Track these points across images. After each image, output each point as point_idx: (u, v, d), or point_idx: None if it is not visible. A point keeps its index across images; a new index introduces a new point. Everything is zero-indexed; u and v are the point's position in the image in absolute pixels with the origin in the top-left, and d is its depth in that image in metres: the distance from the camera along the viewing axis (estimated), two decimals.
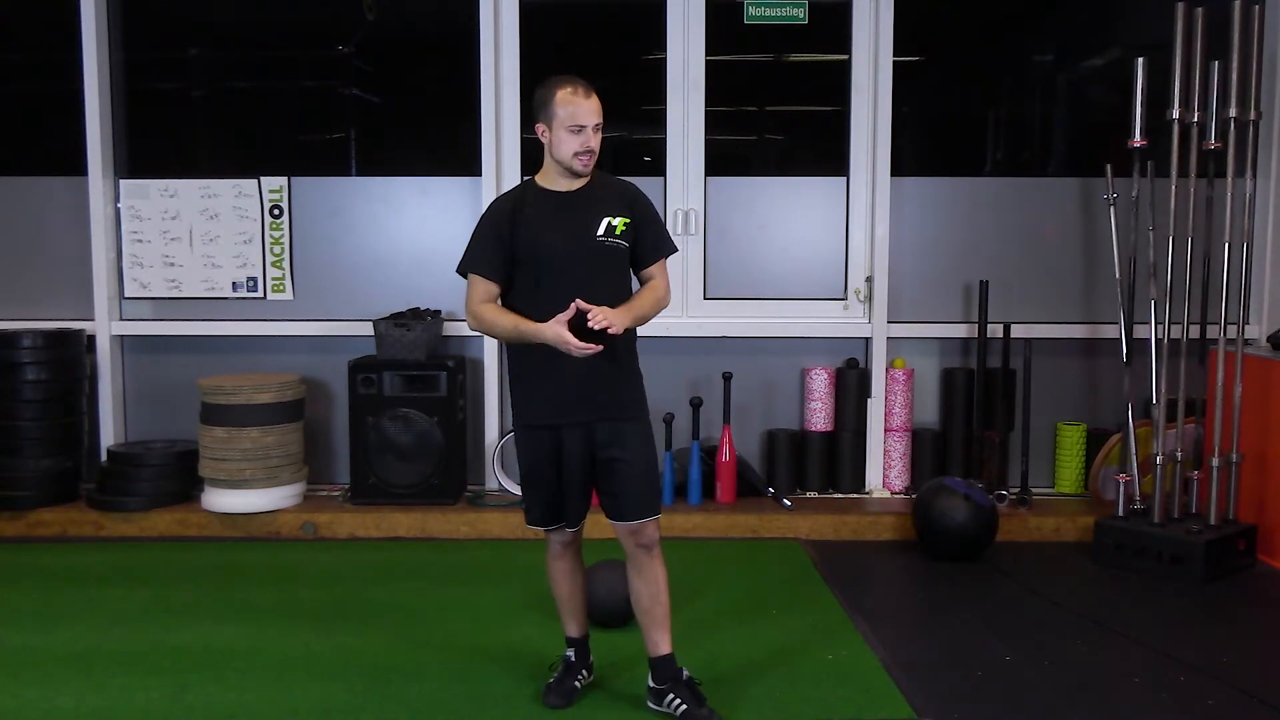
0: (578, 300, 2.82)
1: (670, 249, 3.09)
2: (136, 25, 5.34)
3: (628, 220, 2.98)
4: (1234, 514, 4.51)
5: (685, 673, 3.05)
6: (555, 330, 2.81)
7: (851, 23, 5.19)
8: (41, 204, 5.37)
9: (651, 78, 5.22)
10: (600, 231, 2.94)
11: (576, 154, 2.90)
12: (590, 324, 2.79)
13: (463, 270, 3.02)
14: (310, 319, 5.33)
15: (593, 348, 2.80)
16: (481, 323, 2.98)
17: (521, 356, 3.00)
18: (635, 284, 3.09)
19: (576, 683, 3.19)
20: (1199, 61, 4.44)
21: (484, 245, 2.99)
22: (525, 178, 3.10)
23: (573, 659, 3.21)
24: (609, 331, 2.82)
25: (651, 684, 3.08)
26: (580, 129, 2.88)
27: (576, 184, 2.99)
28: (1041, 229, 5.31)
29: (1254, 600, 4.17)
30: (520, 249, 2.94)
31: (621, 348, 2.96)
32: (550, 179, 3.00)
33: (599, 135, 2.92)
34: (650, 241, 3.04)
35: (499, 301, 3.02)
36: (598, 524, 3.13)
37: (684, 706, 2.99)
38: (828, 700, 3.19)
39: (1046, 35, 5.49)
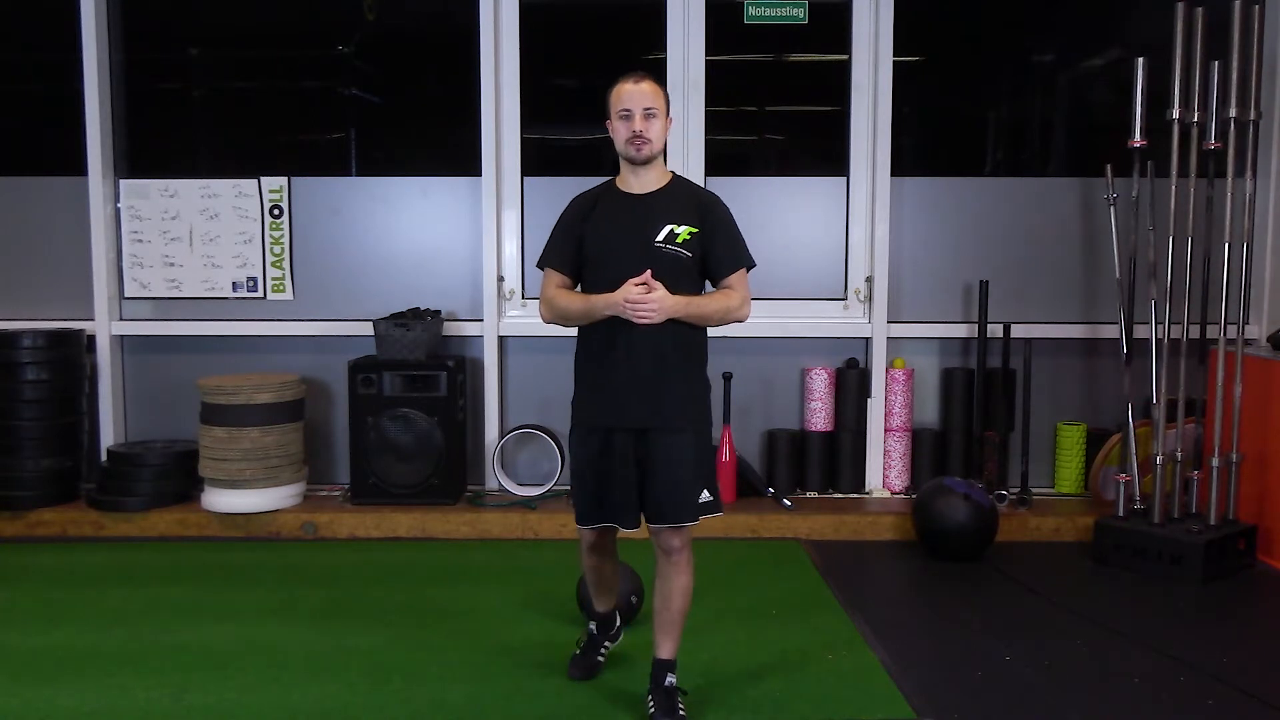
0: (649, 271, 2.82)
1: (747, 261, 3.00)
2: (136, 25, 5.34)
3: (694, 229, 2.91)
4: (1234, 514, 4.51)
5: (671, 680, 3.03)
6: (620, 291, 2.81)
7: (851, 23, 5.19)
8: (41, 204, 5.37)
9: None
10: (660, 238, 2.89)
11: (628, 140, 2.89)
12: (634, 290, 2.80)
13: (540, 264, 3.07)
14: (310, 319, 5.34)
15: (648, 307, 2.79)
16: (554, 308, 2.99)
17: (581, 359, 3.03)
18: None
19: (600, 656, 3.34)
20: (1199, 61, 4.44)
21: (559, 240, 3.04)
22: (607, 178, 3.07)
23: (595, 633, 3.34)
24: (641, 313, 2.80)
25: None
26: (627, 114, 2.88)
27: (649, 187, 2.96)
28: (1041, 229, 5.31)
29: (1254, 600, 4.18)
30: (589, 248, 2.96)
31: (673, 351, 2.91)
32: (624, 179, 3.00)
33: (655, 122, 2.89)
34: (723, 253, 2.97)
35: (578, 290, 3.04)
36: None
37: (652, 711, 3.00)
38: (828, 701, 3.19)
39: (1046, 35, 5.48)
